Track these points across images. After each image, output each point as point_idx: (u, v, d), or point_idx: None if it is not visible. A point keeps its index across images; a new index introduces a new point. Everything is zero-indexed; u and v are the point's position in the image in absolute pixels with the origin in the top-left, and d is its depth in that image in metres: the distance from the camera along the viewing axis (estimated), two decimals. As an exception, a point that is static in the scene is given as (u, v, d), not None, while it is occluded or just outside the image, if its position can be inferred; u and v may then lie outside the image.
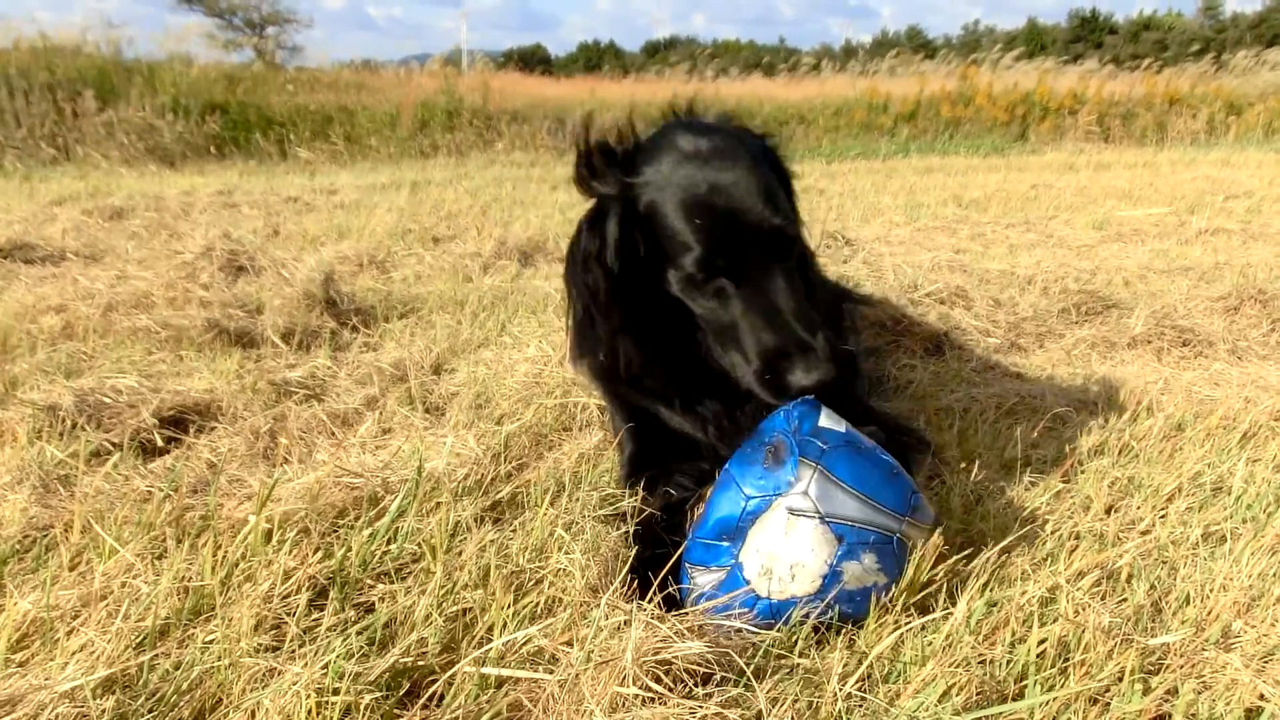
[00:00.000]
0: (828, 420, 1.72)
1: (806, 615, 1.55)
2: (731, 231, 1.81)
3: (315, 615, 1.59)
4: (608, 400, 2.36)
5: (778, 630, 1.54)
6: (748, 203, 1.82)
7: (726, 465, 1.74)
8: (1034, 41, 52.21)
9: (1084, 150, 14.29)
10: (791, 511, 1.58)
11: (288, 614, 1.57)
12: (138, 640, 1.49)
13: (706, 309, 1.87)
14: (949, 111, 16.41)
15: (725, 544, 1.64)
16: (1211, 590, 1.71)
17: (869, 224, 6.52)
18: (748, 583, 1.58)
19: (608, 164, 1.96)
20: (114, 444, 2.36)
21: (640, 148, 1.99)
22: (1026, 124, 16.46)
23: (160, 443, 2.42)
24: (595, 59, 58.36)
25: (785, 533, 1.57)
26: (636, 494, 2.01)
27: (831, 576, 1.54)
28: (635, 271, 1.92)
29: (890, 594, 1.59)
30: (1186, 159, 12.19)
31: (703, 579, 1.66)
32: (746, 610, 1.57)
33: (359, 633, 1.54)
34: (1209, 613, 1.65)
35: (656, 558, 1.75)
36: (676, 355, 2.03)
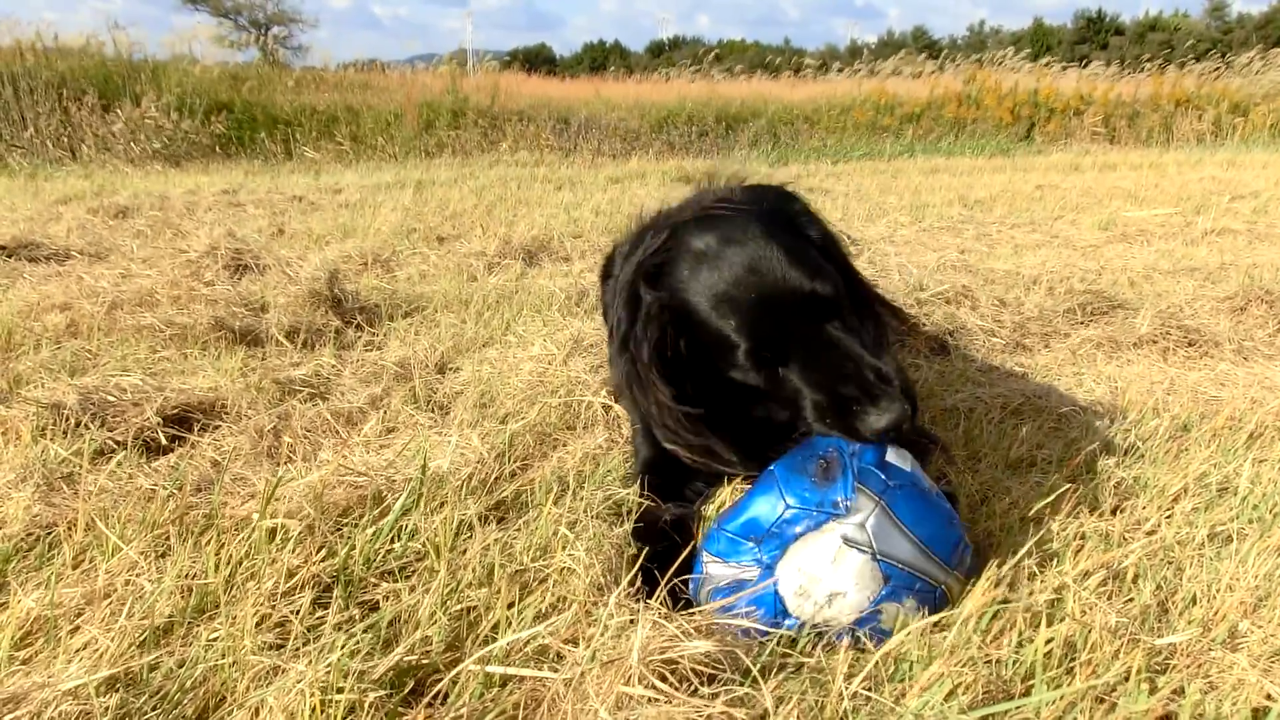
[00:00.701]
0: (895, 456, 1.70)
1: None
2: (768, 316, 1.78)
3: (319, 614, 1.59)
4: (638, 433, 2.28)
5: (788, 630, 1.54)
6: (772, 279, 1.79)
7: (772, 466, 1.72)
8: (1039, 42, 52.21)
9: (1090, 151, 14.28)
10: (846, 541, 1.55)
11: (292, 612, 1.57)
12: (141, 638, 1.49)
13: (770, 385, 1.83)
14: (954, 112, 16.39)
15: (750, 545, 1.63)
16: (1218, 590, 1.71)
17: (874, 224, 6.51)
18: (782, 599, 1.56)
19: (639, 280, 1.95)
20: (118, 442, 2.36)
21: (661, 257, 1.94)
22: (1032, 125, 16.44)
23: (164, 441, 2.42)
24: (600, 59, 58.38)
25: (833, 560, 1.55)
26: (643, 492, 2.01)
27: (870, 614, 1.53)
28: (680, 362, 1.89)
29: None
30: (1193, 159, 12.17)
31: (717, 571, 1.65)
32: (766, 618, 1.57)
33: (363, 631, 1.54)
34: (1216, 613, 1.64)
35: (664, 555, 1.75)
36: (731, 421, 1.98)
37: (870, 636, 1.54)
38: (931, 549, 1.59)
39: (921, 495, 1.66)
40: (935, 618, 1.56)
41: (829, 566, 1.54)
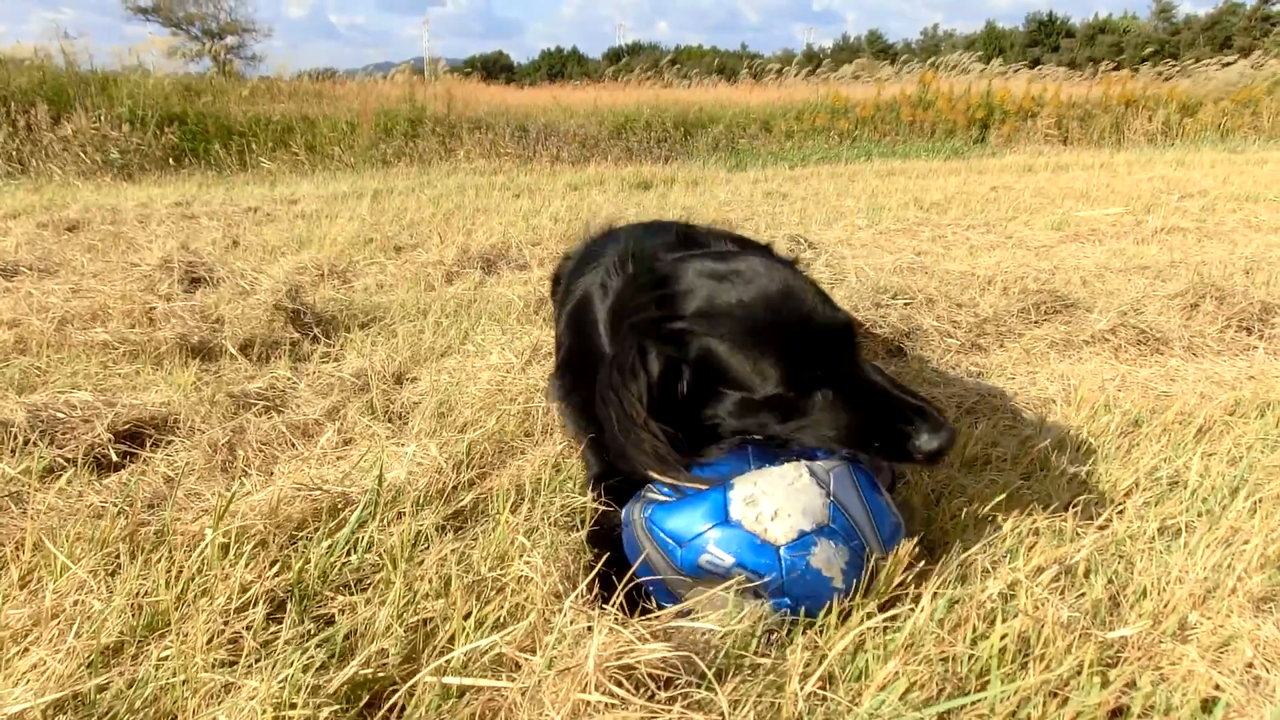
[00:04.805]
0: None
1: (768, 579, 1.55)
2: (806, 343, 1.74)
3: (273, 628, 1.57)
4: (585, 444, 2.22)
5: (736, 623, 1.54)
6: (808, 307, 1.77)
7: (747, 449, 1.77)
8: (992, 45, 53.00)
9: (1043, 152, 14.46)
10: (810, 471, 1.63)
11: (245, 628, 1.55)
12: (90, 659, 1.47)
13: (782, 425, 1.75)
14: (910, 115, 16.54)
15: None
16: (1168, 583, 1.73)
17: (831, 227, 6.55)
18: (728, 503, 1.60)
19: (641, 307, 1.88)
20: (68, 460, 2.32)
21: (667, 285, 1.87)
22: (986, 127, 16.63)
23: (115, 458, 2.38)
24: (558, 66, 58.50)
25: (791, 483, 1.61)
26: (598, 498, 2.01)
27: (806, 541, 1.55)
28: (671, 403, 1.79)
29: (841, 600, 1.60)
30: (1143, 160, 12.36)
31: (658, 496, 1.71)
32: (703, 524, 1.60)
33: (318, 645, 1.52)
34: (1166, 605, 1.67)
35: (620, 560, 1.75)
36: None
37: (794, 584, 1.56)
38: (876, 521, 1.65)
39: (880, 488, 1.73)
40: (889, 615, 1.58)
41: (784, 487, 1.60)
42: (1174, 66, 19.88)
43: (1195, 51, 20.46)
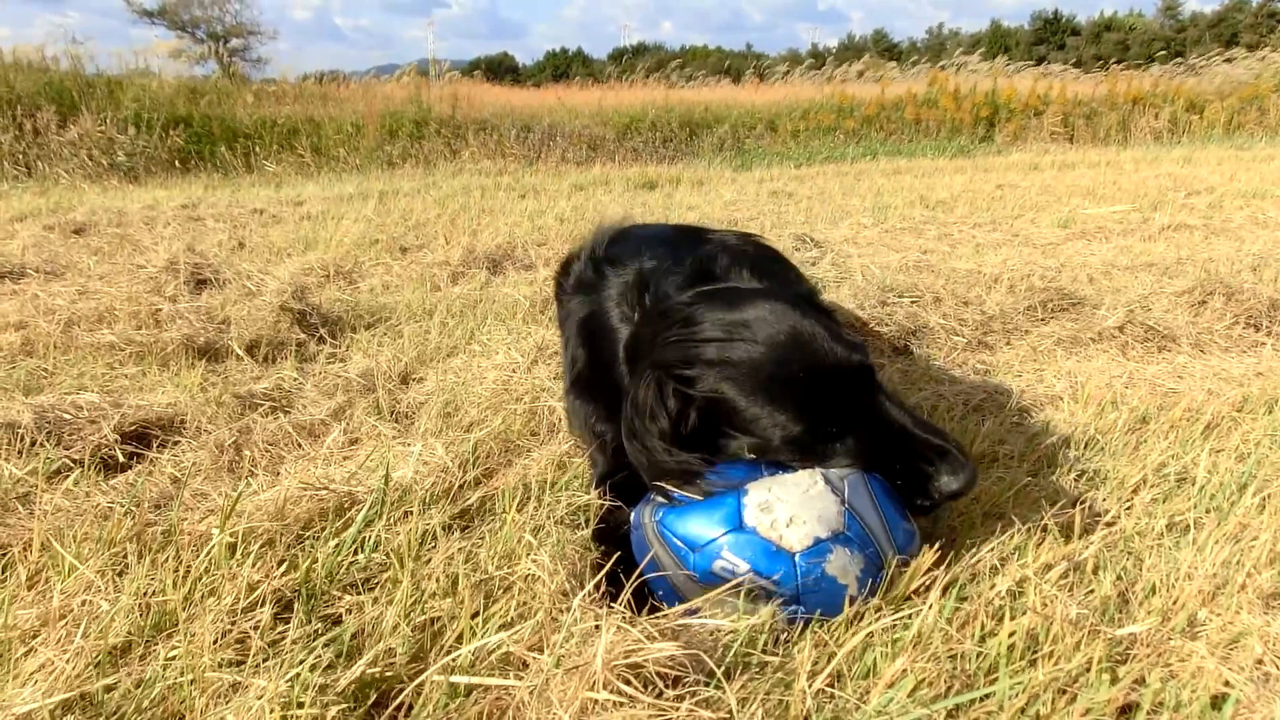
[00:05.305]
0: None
1: (778, 583, 1.54)
2: (821, 392, 1.72)
3: (280, 628, 1.58)
4: (593, 446, 2.25)
5: (745, 620, 1.54)
6: (819, 356, 1.74)
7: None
8: (997, 44, 52.94)
9: (1049, 150, 14.42)
10: (824, 478, 1.62)
11: (252, 628, 1.55)
12: (98, 659, 1.47)
13: (800, 464, 1.73)
14: (915, 114, 16.51)
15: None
16: (1177, 579, 1.73)
17: (837, 226, 6.54)
18: (743, 509, 1.59)
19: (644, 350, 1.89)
20: (75, 461, 2.33)
21: (684, 332, 1.85)
22: (992, 125, 16.59)
23: (122, 458, 2.38)
24: (563, 67, 58.62)
25: (806, 490, 1.60)
26: (604, 495, 2.00)
27: (821, 548, 1.54)
28: (686, 438, 1.79)
29: (855, 603, 1.59)
30: (1149, 157, 12.32)
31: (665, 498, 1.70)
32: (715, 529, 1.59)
33: (325, 644, 1.52)
34: (1175, 602, 1.66)
35: (627, 558, 1.74)
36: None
37: (808, 589, 1.55)
38: (890, 528, 1.64)
39: (895, 495, 1.71)
40: (898, 615, 1.57)
41: (799, 494, 1.59)
42: (1180, 65, 19.81)
43: (1201, 49, 20.34)
